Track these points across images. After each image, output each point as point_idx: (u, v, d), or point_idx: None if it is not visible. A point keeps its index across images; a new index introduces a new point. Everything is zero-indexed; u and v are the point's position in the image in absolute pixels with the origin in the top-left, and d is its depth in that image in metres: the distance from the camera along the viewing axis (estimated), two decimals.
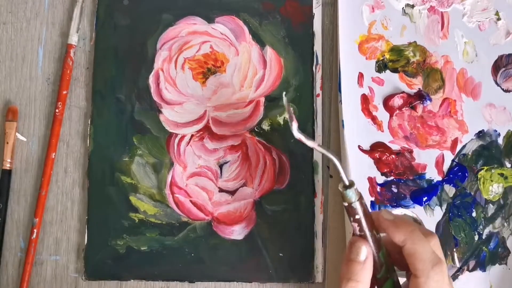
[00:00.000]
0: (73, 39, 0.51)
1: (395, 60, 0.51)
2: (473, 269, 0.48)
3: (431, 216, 0.49)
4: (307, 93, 0.51)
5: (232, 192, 0.50)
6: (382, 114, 0.50)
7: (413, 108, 0.50)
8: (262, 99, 0.51)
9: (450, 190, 0.49)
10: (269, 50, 0.51)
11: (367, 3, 0.51)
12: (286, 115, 0.47)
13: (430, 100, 0.50)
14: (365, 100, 0.50)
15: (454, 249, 0.48)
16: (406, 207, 0.49)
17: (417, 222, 0.42)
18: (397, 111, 0.50)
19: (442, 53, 0.51)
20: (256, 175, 0.50)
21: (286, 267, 0.49)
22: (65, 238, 0.50)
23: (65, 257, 0.50)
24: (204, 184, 0.50)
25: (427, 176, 0.49)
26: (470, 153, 0.50)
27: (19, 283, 0.49)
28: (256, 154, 0.50)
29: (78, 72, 0.52)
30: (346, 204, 0.37)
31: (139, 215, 0.49)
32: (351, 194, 0.36)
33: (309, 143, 0.36)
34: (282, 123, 0.51)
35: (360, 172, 0.49)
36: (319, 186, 0.50)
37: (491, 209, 0.49)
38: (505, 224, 0.49)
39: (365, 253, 0.36)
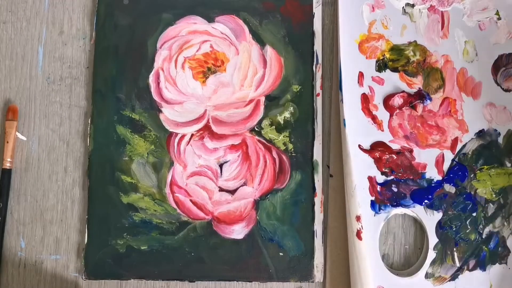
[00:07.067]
0: None
1: (395, 59, 0.51)
2: (473, 269, 0.48)
3: (431, 215, 0.49)
4: (307, 93, 0.51)
5: (232, 192, 0.50)
6: (382, 114, 0.50)
7: (413, 107, 0.50)
8: (262, 98, 0.51)
9: (450, 189, 0.49)
10: (269, 50, 0.51)
11: (367, 3, 0.51)
12: None
13: (430, 99, 0.50)
14: (365, 100, 0.50)
15: (454, 249, 0.48)
16: (406, 206, 0.49)
17: None
18: (397, 111, 0.50)
19: (442, 52, 0.51)
20: (256, 175, 0.50)
21: (286, 266, 0.49)
22: (65, 237, 0.50)
23: (65, 256, 0.50)
24: (204, 183, 0.50)
25: (427, 176, 0.49)
26: (470, 153, 0.50)
27: (19, 283, 0.49)
28: (256, 154, 0.50)
29: (78, 71, 0.52)
30: None
31: (139, 214, 0.49)
32: None
33: None
34: (282, 122, 0.51)
35: (360, 171, 0.49)
36: (319, 186, 0.50)
37: (491, 208, 0.49)
38: (505, 223, 0.49)
39: None
